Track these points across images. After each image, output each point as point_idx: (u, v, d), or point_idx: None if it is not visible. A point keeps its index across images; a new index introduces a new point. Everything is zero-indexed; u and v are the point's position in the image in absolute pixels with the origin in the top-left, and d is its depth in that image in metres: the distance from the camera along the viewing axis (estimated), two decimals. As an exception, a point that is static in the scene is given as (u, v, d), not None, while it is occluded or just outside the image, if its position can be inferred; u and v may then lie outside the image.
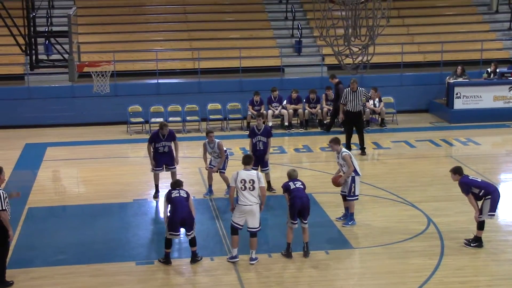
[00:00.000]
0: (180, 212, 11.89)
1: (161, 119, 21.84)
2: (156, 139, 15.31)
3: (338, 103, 20.77)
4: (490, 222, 12.99)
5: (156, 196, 15.54)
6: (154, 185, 15.66)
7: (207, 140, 15.35)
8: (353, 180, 13.54)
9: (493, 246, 12.72)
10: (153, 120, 22.01)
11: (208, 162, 15.50)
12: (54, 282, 11.54)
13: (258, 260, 12.13)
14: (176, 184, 12.42)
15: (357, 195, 13.69)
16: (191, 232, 12.06)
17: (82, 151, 19.89)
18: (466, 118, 22.40)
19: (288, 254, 12.30)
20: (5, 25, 15.30)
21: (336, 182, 13.63)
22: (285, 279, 11.63)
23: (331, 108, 22.07)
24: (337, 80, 21.55)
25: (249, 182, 11.94)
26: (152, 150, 15.34)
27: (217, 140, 15.31)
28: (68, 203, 15.74)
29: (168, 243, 12.06)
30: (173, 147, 15.47)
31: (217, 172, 15.40)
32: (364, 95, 18.87)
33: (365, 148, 19.01)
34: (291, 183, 12.34)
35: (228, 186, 15.01)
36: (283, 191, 12.43)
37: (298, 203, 12.13)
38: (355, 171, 13.52)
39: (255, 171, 12.55)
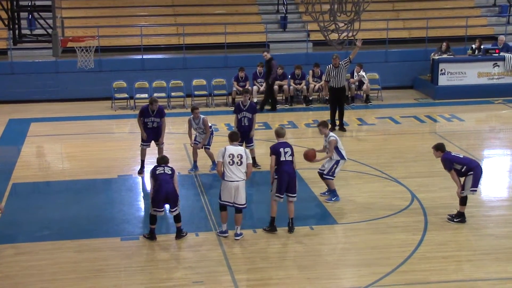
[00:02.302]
0: (164, 189, 11.89)
1: (145, 95, 21.81)
2: (145, 113, 15.28)
3: (270, 80, 21.02)
4: (472, 197, 13.10)
5: (141, 172, 15.53)
6: (139, 160, 15.67)
7: (192, 116, 15.33)
8: (336, 162, 13.60)
9: (475, 221, 12.85)
10: (137, 96, 21.94)
11: (193, 138, 15.50)
12: (39, 258, 11.55)
13: (243, 236, 12.19)
14: (163, 160, 12.40)
15: (335, 176, 13.74)
16: (175, 208, 12.07)
17: (66, 127, 19.81)
18: (450, 95, 22.50)
19: (272, 229, 12.36)
20: (-13, 0, 15.13)
21: (309, 155, 13.54)
22: (270, 254, 11.70)
23: (316, 84, 22.11)
24: (269, 56, 21.43)
25: (237, 157, 11.94)
26: (142, 124, 15.35)
27: (202, 116, 15.30)
28: (53, 179, 15.69)
29: (153, 219, 12.08)
30: (166, 124, 15.49)
31: (202, 148, 15.41)
32: (345, 65, 18.74)
33: (344, 124, 19.06)
34: (281, 150, 12.22)
35: (213, 162, 15.06)
36: (271, 152, 12.31)
37: (286, 177, 12.17)
38: (341, 155, 13.58)
39: (242, 147, 12.57)
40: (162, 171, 12.09)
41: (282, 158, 12.22)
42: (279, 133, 12.58)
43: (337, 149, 13.59)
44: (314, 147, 13.94)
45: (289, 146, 12.44)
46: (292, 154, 12.33)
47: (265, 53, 21.38)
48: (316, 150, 13.72)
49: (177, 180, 12.25)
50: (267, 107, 21.55)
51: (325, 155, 13.68)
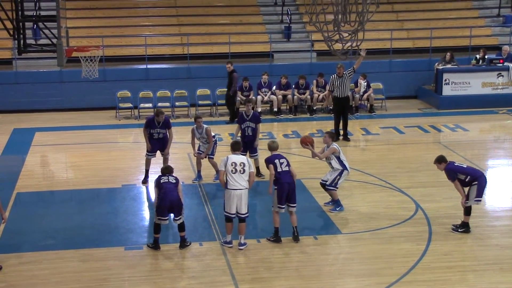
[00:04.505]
0: (169, 197, 11.90)
1: (150, 105, 21.89)
2: (151, 125, 15.30)
3: (231, 92, 20.99)
4: (477, 207, 13.07)
5: (145, 181, 15.53)
6: (143, 170, 15.68)
7: (195, 125, 15.34)
8: (340, 173, 13.59)
9: (480, 231, 12.81)
10: (142, 105, 21.98)
11: (196, 148, 15.50)
12: (43, 267, 11.54)
13: (247, 246, 12.17)
14: (167, 170, 12.43)
15: (337, 187, 13.73)
16: (179, 217, 12.08)
17: (70, 136, 19.84)
18: (454, 104, 22.49)
19: (277, 239, 12.34)
20: (-8, 9, 15.20)
21: (305, 141, 13.61)
22: (274, 264, 11.68)
23: (320, 94, 22.12)
24: (232, 68, 21.26)
25: (240, 165, 11.96)
26: (147, 135, 15.36)
27: (205, 126, 15.30)
28: (57, 188, 15.72)
29: (157, 228, 12.08)
30: (174, 134, 15.55)
31: (205, 157, 15.41)
32: (349, 75, 18.73)
33: (348, 134, 19.05)
34: (276, 161, 12.29)
35: (217, 171, 15.04)
36: (266, 163, 12.36)
37: (286, 188, 12.17)
38: (344, 166, 13.57)
39: (244, 156, 12.57)
40: (167, 180, 12.11)
41: (279, 169, 12.24)
42: (272, 147, 12.62)
43: (339, 159, 13.59)
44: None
45: (284, 157, 12.48)
46: (288, 165, 12.35)
47: (228, 65, 21.32)
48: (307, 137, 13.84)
49: (181, 189, 12.26)
50: (225, 118, 21.49)
51: (318, 154, 13.64)
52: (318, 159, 13.80)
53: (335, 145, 13.65)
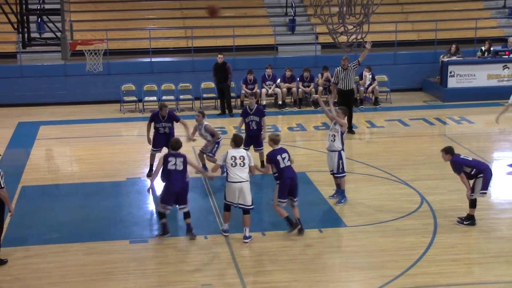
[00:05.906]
0: (175, 186, 11.89)
1: (154, 98, 21.86)
2: (156, 119, 15.21)
3: (228, 82, 21.06)
4: (482, 200, 13.03)
5: (149, 175, 15.51)
6: (147, 163, 15.64)
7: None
8: (339, 157, 13.50)
9: (485, 224, 12.78)
10: (146, 98, 21.97)
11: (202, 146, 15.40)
12: (48, 260, 11.56)
13: (252, 238, 12.16)
14: (177, 145, 12.16)
15: (345, 172, 13.69)
16: (185, 206, 12.07)
17: (75, 130, 19.86)
18: (459, 97, 22.42)
19: (294, 224, 12.20)
20: (-4, 3, 15.20)
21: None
22: (279, 257, 11.66)
23: (325, 86, 22.08)
24: (223, 59, 21.26)
25: (240, 159, 11.99)
26: (152, 129, 15.28)
27: (205, 123, 15.14)
28: (62, 181, 15.74)
29: (162, 215, 12.12)
30: (175, 128, 15.32)
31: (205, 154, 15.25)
32: (354, 67, 18.66)
33: (352, 126, 19.00)
34: (279, 157, 12.25)
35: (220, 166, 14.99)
36: (267, 160, 12.36)
37: (288, 183, 12.18)
38: (342, 146, 13.50)
39: (244, 150, 12.52)
40: (174, 167, 11.94)
41: (282, 165, 12.20)
42: (276, 140, 12.54)
43: (342, 137, 13.47)
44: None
45: (285, 151, 12.45)
46: (288, 156, 12.35)
47: (220, 56, 21.22)
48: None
49: (191, 161, 12.34)
50: (216, 112, 21.47)
51: (328, 111, 13.73)
52: (328, 114, 13.66)
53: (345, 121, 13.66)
